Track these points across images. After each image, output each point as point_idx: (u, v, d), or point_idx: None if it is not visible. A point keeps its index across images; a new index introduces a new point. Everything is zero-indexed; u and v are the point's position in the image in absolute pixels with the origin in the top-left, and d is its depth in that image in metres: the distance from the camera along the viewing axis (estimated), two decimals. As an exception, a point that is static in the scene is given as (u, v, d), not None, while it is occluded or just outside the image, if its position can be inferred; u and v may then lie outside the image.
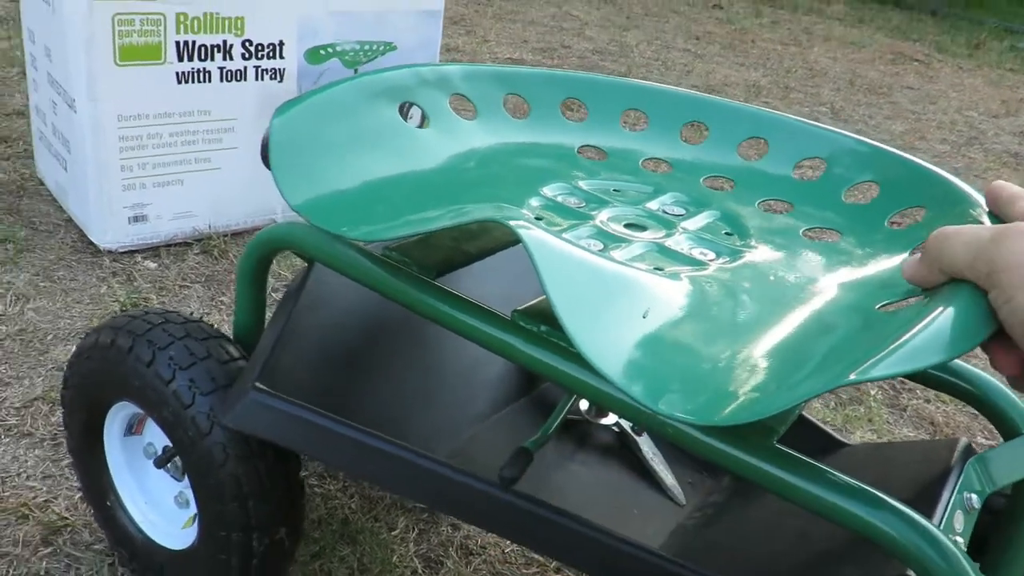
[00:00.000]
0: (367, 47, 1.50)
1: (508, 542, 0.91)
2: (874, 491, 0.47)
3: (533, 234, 0.47)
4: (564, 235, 0.59)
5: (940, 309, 0.43)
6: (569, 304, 0.45)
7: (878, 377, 0.41)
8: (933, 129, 2.78)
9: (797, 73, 3.30)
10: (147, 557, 0.80)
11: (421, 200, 0.62)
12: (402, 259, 0.63)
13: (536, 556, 0.91)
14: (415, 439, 0.72)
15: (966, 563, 0.44)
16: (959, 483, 0.56)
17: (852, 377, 0.41)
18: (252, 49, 1.37)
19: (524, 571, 0.89)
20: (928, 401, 1.29)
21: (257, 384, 0.66)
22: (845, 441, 0.77)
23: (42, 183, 1.55)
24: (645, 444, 0.85)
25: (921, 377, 0.67)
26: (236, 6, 1.33)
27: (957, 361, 0.65)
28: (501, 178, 0.68)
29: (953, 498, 0.55)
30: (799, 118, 0.73)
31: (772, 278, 0.58)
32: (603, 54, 3.19)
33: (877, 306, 0.51)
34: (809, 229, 0.65)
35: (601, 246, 0.59)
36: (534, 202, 0.65)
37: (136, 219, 1.37)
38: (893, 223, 0.63)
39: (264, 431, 0.66)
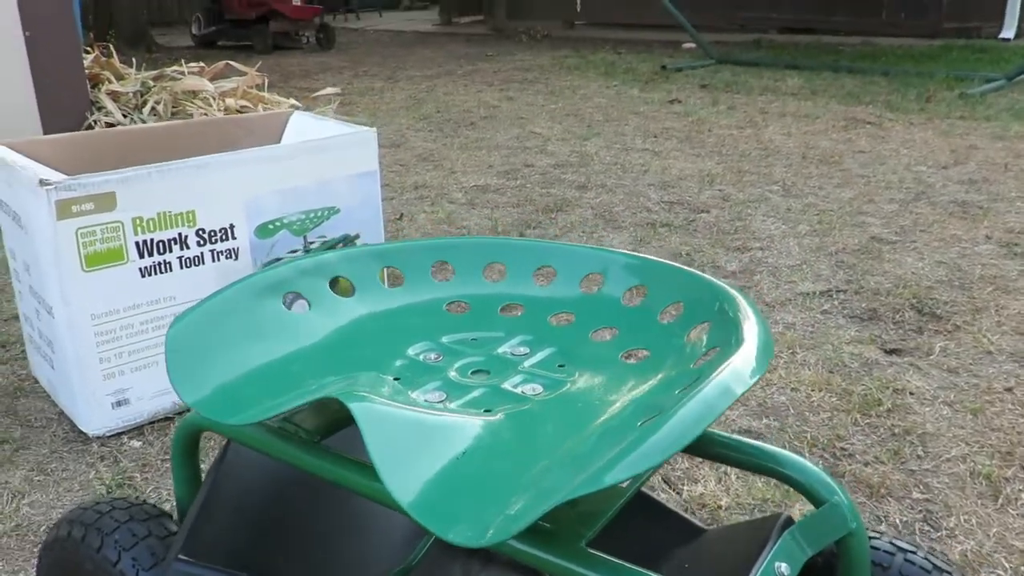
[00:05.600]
0: (312, 215, 1.65)
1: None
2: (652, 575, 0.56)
3: (361, 405, 0.59)
4: (412, 392, 0.71)
5: (665, 421, 0.55)
6: (383, 454, 0.55)
7: (609, 483, 0.52)
8: (881, 190, 2.90)
9: (751, 156, 3.46)
10: None
11: (295, 381, 0.73)
12: (292, 427, 0.75)
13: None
14: None
15: None
16: (771, 555, 0.65)
17: (583, 489, 0.52)
18: (206, 236, 1.52)
19: None
20: (866, 464, 1.35)
21: (180, 556, 0.76)
22: (702, 527, 0.85)
23: (36, 381, 1.69)
24: None
25: (740, 463, 0.76)
26: (186, 202, 1.49)
27: (767, 445, 0.75)
28: (372, 346, 0.79)
29: (763, 569, 0.64)
30: (632, 253, 0.86)
31: (579, 404, 0.69)
32: (564, 167, 3.37)
33: (639, 423, 0.61)
34: (625, 353, 0.76)
35: (443, 396, 0.71)
36: (398, 363, 0.77)
37: (119, 403, 1.50)
38: (691, 336, 0.75)
39: None
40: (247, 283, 0.82)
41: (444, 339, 0.81)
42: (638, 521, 0.85)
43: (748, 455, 0.76)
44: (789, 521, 0.71)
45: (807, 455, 1.38)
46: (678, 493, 1.31)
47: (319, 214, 1.66)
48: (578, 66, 6.44)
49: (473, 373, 0.75)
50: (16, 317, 1.99)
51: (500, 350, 0.79)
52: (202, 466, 0.91)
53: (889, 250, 2.32)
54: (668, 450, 0.54)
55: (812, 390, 1.58)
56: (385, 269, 0.90)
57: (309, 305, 0.84)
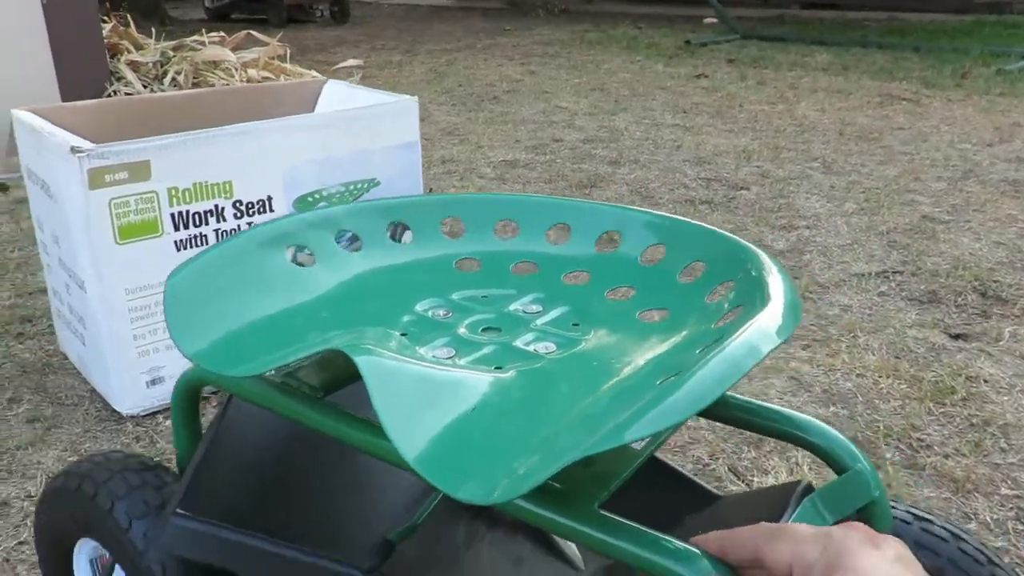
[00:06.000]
0: (352, 187, 1.57)
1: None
2: (671, 540, 0.54)
3: (365, 356, 0.56)
4: (419, 348, 0.68)
5: (686, 379, 0.52)
6: (388, 408, 0.52)
7: (626, 440, 0.49)
8: (927, 168, 2.80)
9: (786, 132, 3.36)
10: None
11: (298, 334, 0.70)
12: (296, 382, 0.72)
13: None
14: (319, 542, 0.79)
15: None
16: (790, 521, 0.63)
17: (598, 447, 0.49)
18: (243, 208, 1.45)
19: None
20: (947, 457, 1.28)
21: (178, 510, 0.75)
22: (717, 493, 0.83)
23: (66, 358, 1.63)
24: None
25: (762, 429, 0.73)
26: (223, 172, 1.41)
27: (791, 410, 0.73)
28: (379, 300, 0.77)
29: None
30: (649, 210, 0.82)
31: (594, 363, 0.65)
32: (594, 142, 3.28)
33: (658, 382, 0.58)
34: (642, 312, 0.73)
35: (453, 352, 0.68)
36: (405, 318, 0.74)
37: (153, 382, 1.43)
38: (713, 296, 0.70)
39: (186, 551, 0.75)
40: (250, 235, 0.79)
41: (454, 296, 0.78)
42: (652, 486, 0.82)
43: (770, 420, 0.73)
44: (809, 488, 0.69)
45: (883, 446, 1.31)
46: (747, 484, 1.23)
47: (359, 186, 1.58)
48: (599, 40, 6.32)
49: (483, 330, 0.72)
50: (42, 290, 1.93)
51: (512, 308, 0.76)
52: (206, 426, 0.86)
53: (943, 230, 2.23)
54: (688, 409, 0.51)
55: (879, 376, 1.51)
56: (447, 220, 0.86)
57: (315, 259, 0.80)
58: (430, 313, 0.75)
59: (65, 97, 2.93)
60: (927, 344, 1.63)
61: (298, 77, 3.42)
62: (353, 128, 1.56)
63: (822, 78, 4.49)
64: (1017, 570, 0.78)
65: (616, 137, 3.35)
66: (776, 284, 0.64)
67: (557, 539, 0.85)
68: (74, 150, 1.26)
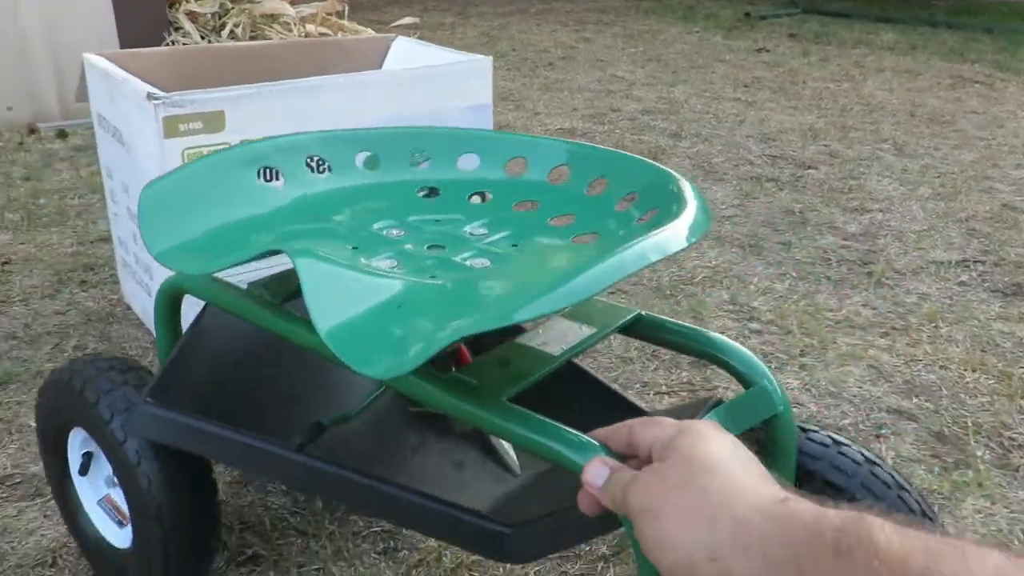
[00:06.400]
0: (424, 148, 1.53)
1: None
2: (567, 430, 0.60)
3: (306, 260, 0.62)
4: (363, 258, 0.73)
5: (576, 268, 0.58)
6: (316, 298, 0.59)
7: (521, 319, 0.56)
8: (1005, 154, 2.69)
9: (853, 111, 3.25)
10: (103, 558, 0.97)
11: (255, 241, 0.76)
12: (258, 290, 0.81)
13: None
14: (265, 428, 0.85)
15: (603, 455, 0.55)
16: None
17: (488, 324, 0.55)
18: (313, 164, 1.41)
19: None
20: (1041, 458, 1.22)
21: (148, 399, 0.84)
22: (643, 409, 0.88)
23: (129, 308, 1.62)
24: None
25: (676, 346, 0.80)
26: (295, 126, 1.37)
27: (703, 329, 0.79)
28: (337, 219, 0.82)
29: None
30: (597, 145, 0.89)
31: (515, 270, 0.72)
32: (653, 113, 3.20)
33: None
34: (577, 236, 0.79)
35: (395, 263, 0.73)
36: (362, 234, 0.79)
37: (217, 338, 1.41)
38: (644, 220, 0.76)
39: (152, 435, 0.84)
40: (223, 155, 0.85)
41: (410, 219, 0.83)
42: (577, 396, 0.89)
43: (686, 339, 0.79)
44: (719, 402, 0.73)
45: (972, 443, 1.25)
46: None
47: (431, 147, 1.54)
48: (655, 9, 6.17)
49: (429, 247, 0.77)
50: (103, 239, 1.92)
51: (461, 231, 0.81)
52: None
53: (1025, 220, 2.14)
54: (579, 294, 0.56)
55: (964, 370, 1.44)
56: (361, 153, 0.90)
57: (283, 179, 0.85)
58: (384, 232, 0.80)
59: (124, 45, 2.91)
60: (1014, 339, 1.56)
61: (355, 34, 3.37)
62: (426, 87, 1.51)
63: (888, 57, 4.34)
64: (922, 494, 0.77)
65: (676, 109, 3.27)
66: (690, 206, 0.69)
67: (498, 449, 0.93)
68: (150, 97, 1.23)
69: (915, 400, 1.37)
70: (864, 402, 1.36)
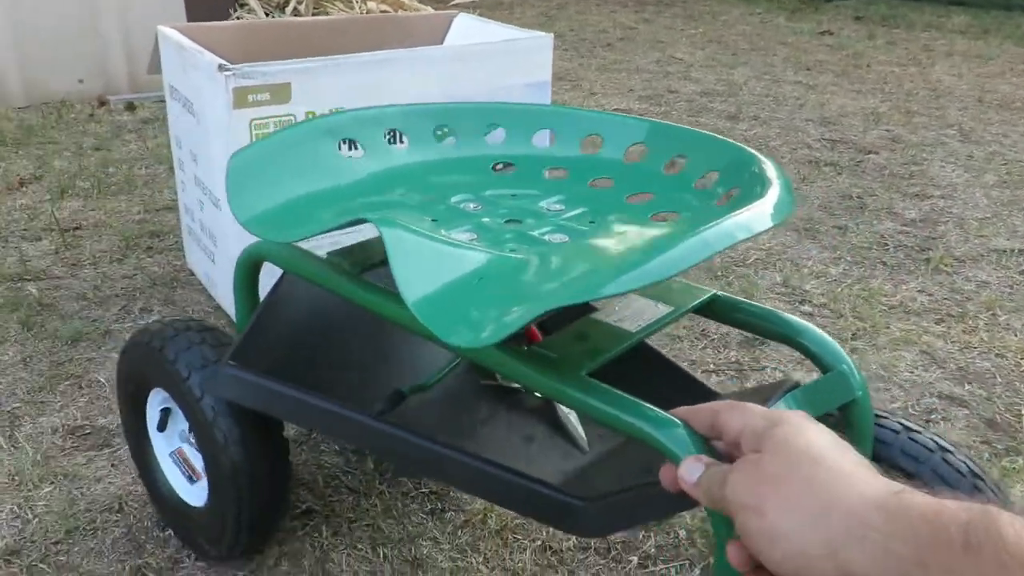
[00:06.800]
0: (481, 123, 1.55)
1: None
2: (648, 407, 0.59)
3: (391, 227, 0.62)
4: (443, 230, 0.74)
5: (676, 235, 0.58)
6: (403, 268, 0.60)
7: (610, 293, 0.56)
8: (1077, 143, 2.61)
9: (919, 95, 3.17)
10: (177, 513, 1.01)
11: (338, 212, 0.78)
12: (338, 259, 0.82)
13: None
14: (345, 394, 0.87)
15: (690, 441, 0.55)
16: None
17: (581, 296, 0.56)
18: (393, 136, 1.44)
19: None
20: (1097, 449, 1.20)
21: (229, 361, 0.87)
22: (715, 391, 0.89)
23: (192, 274, 1.68)
24: (562, 406, 0.95)
25: (753, 328, 0.79)
26: (359, 99, 1.40)
27: (781, 312, 0.78)
28: (416, 193, 0.84)
29: None
30: (675, 124, 0.88)
31: (597, 246, 0.72)
32: (711, 95, 3.17)
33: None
34: (656, 215, 0.78)
35: (474, 236, 0.74)
36: (440, 207, 0.80)
37: (277, 304, 1.46)
38: (724, 201, 0.75)
39: (233, 396, 0.87)
40: (306, 126, 0.86)
41: (487, 193, 0.84)
42: (653, 378, 0.88)
43: (764, 320, 0.78)
44: (796, 386, 0.72)
45: (1022, 429, 1.24)
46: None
47: (488, 123, 1.56)
48: (717, -9, 6.07)
49: (507, 221, 0.78)
50: (168, 207, 1.99)
51: (537, 206, 0.81)
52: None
53: (1094, 210, 2.08)
54: (665, 271, 0.56)
55: (1021, 358, 1.42)
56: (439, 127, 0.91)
57: (363, 151, 0.87)
58: (461, 205, 0.81)
59: (191, 19, 2.99)
60: (1076, 329, 1.52)
61: (415, 12, 3.39)
62: (487, 62, 1.53)
63: (959, 41, 4.21)
64: (1000, 485, 0.75)
65: (734, 91, 3.23)
66: (775, 186, 0.68)
67: (567, 424, 0.94)
68: (221, 68, 1.27)
69: (968, 387, 1.35)
70: (915, 387, 1.35)
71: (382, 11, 3.26)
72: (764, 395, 0.73)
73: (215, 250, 1.48)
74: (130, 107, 2.88)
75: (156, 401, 1.01)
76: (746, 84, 3.34)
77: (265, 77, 1.30)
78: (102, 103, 2.90)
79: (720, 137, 0.82)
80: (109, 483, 1.13)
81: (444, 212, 0.79)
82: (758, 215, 0.63)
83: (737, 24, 4.72)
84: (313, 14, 3.20)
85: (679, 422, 0.56)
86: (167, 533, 1.04)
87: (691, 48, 4.05)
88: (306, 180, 0.82)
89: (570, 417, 0.95)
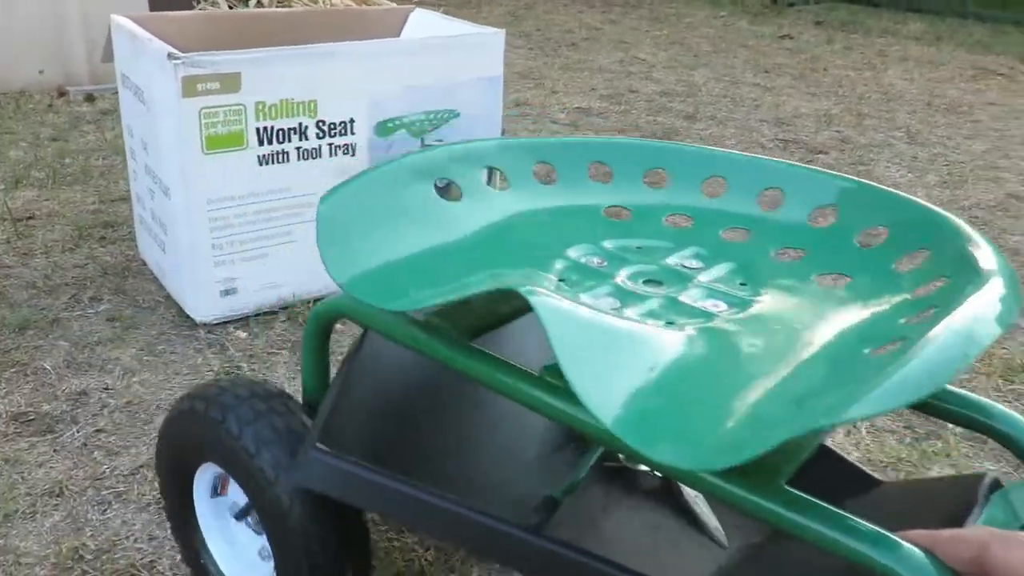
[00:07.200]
0: (431, 116, 1.58)
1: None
2: (870, 526, 0.49)
3: (543, 299, 0.52)
4: (582, 295, 0.64)
5: (917, 352, 0.47)
6: (574, 360, 0.48)
7: (852, 418, 0.45)
8: (1017, 145, 2.69)
9: (871, 98, 3.25)
10: None
11: (453, 271, 0.68)
12: (441, 323, 0.68)
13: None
14: (466, 491, 0.75)
15: None
16: (982, 519, 0.57)
17: (823, 421, 0.45)
18: (325, 128, 1.47)
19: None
20: (1013, 434, 1.25)
21: (318, 445, 0.72)
22: (879, 479, 0.77)
23: (144, 263, 1.69)
24: (688, 488, 0.85)
25: (940, 413, 0.67)
26: (310, 90, 1.43)
27: (975, 395, 0.66)
28: (530, 243, 0.73)
29: None
30: (817, 168, 0.77)
31: (776, 326, 0.61)
32: (671, 95, 3.22)
33: (866, 351, 0.53)
34: (820, 275, 0.68)
35: (617, 304, 0.64)
36: (559, 264, 0.70)
37: (227, 292, 1.48)
38: (900, 265, 0.66)
39: (323, 487, 0.72)
40: (398, 164, 0.76)
41: (605, 244, 0.74)
42: (808, 465, 0.76)
43: (952, 404, 0.66)
44: (997, 484, 0.62)
45: None
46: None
47: (440, 115, 1.59)
48: (682, -7, 6.15)
49: (644, 282, 0.68)
50: (123, 198, 1.99)
51: (669, 261, 0.72)
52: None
53: (1029, 210, 2.15)
54: (924, 387, 0.45)
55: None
56: (538, 165, 0.83)
57: (462, 194, 0.77)
58: (583, 260, 0.71)
59: (154, 9, 2.98)
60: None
61: (377, 5, 3.41)
62: (440, 57, 1.56)
63: (913, 47, 4.32)
64: None
65: (694, 92, 3.28)
66: (985, 255, 0.57)
67: (701, 516, 0.81)
68: (171, 57, 1.29)
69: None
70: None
71: (345, 5, 3.27)
72: (954, 492, 0.64)
73: (165, 239, 1.50)
74: (89, 98, 2.86)
75: (206, 478, 0.86)
76: (705, 85, 3.40)
77: (215, 66, 1.32)
78: (61, 94, 2.88)
79: (880, 187, 0.71)
80: (50, 468, 1.14)
81: (569, 270, 0.69)
82: (998, 294, 0.52)
83: (701, 27, 4.79)
84: (277, 5, 3.20)
85: (923, 555, 0.44)
86: (106, 516, 1.06)
87: (654, 49, 4.11)
88: (407, 231, 0.71)
89: (698, 501, 0.83)
